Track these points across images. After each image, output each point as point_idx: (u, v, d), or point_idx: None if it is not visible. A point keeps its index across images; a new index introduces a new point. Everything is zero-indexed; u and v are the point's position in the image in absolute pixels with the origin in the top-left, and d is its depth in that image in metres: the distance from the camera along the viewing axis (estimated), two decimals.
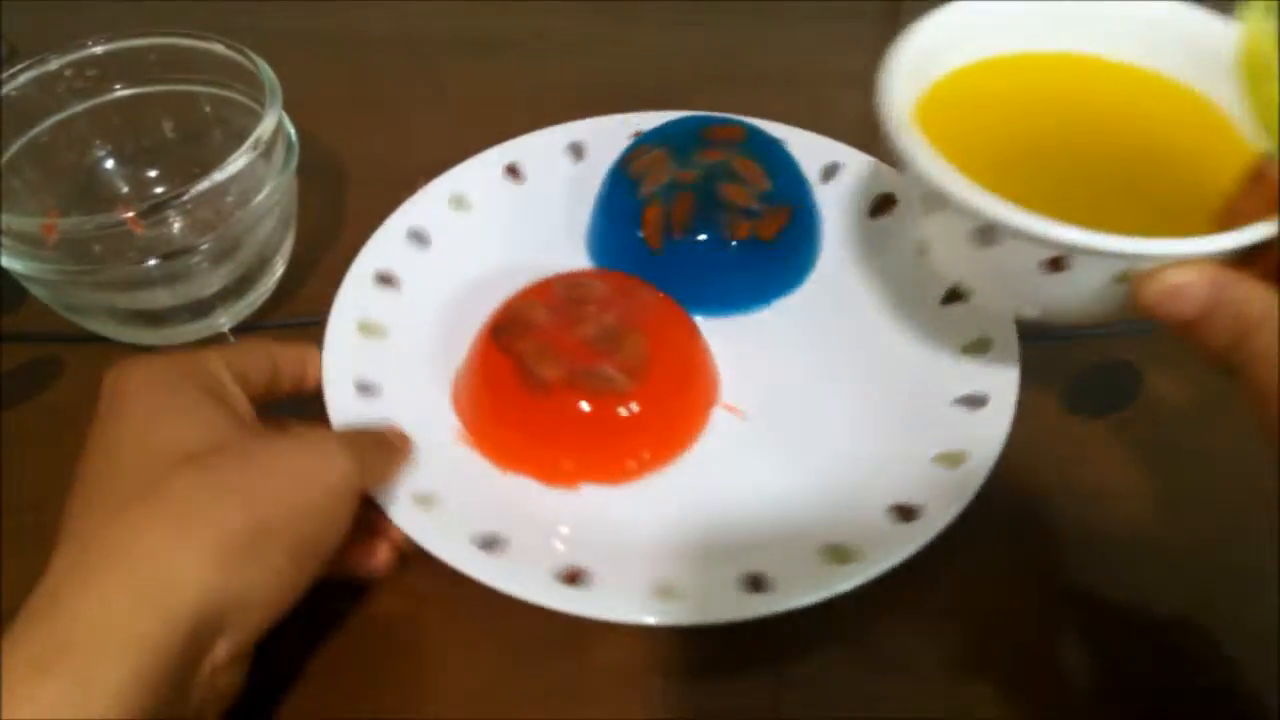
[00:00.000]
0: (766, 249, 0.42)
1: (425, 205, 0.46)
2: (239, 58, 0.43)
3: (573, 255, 0.46)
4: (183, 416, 0.31)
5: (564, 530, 0.36)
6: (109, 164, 0.46)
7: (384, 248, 0.44)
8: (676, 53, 0.58)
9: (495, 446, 0.39)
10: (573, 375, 0.37)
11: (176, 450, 0.30)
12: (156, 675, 0.26)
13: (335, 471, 0.32)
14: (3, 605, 0.28)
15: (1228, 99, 0.34)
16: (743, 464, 0.38)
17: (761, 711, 0.34)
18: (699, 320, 0.42)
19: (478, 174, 0.47)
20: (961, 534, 0.34)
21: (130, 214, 0.37)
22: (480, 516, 0.36)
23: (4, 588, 0.33)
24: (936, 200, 0.30)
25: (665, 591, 0.33)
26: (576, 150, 0.49)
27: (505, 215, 0.47)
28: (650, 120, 0.47)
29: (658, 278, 0.42)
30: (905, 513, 0.35)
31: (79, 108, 0.45)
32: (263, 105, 0.41)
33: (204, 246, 0.39)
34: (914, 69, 0.34)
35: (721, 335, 0.42)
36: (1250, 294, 0.26)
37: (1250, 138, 0.33)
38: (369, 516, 0.34)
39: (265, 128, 0.40)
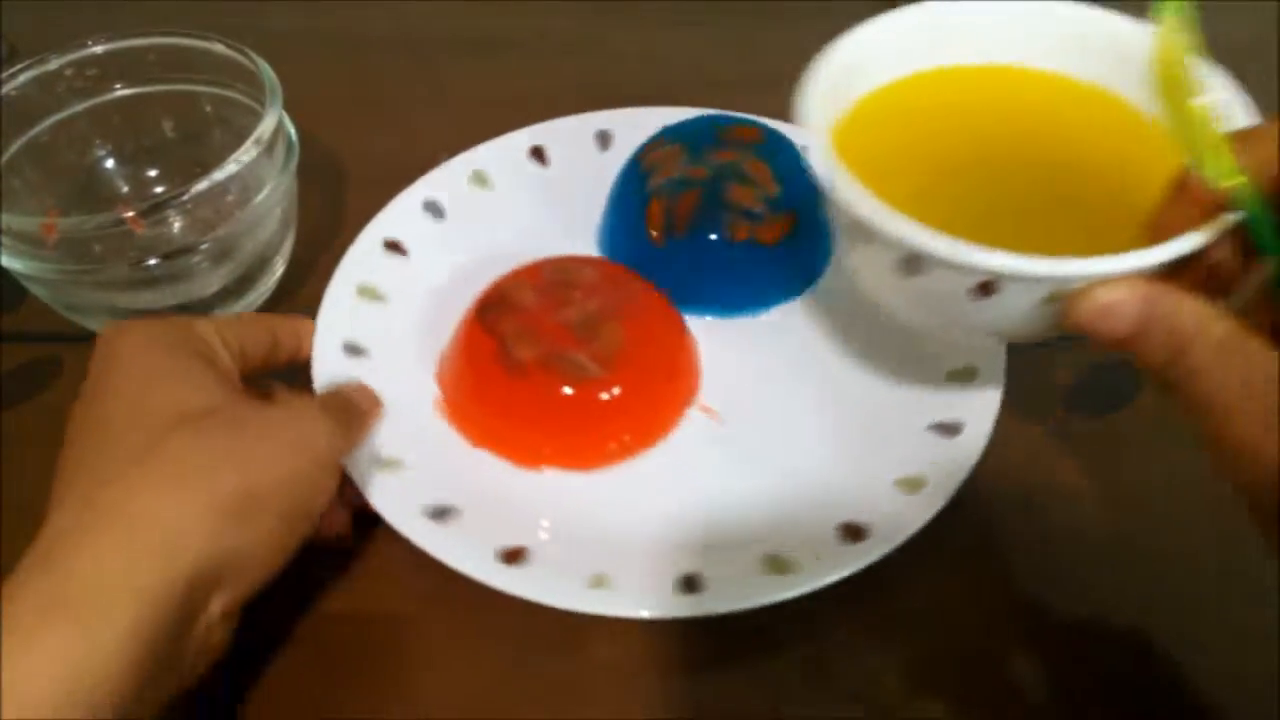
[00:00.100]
0: (766, 254, 0.42)
1: (445, 178, 0.47)
2: (239, 58, 0.43)
3: (584, 242, 0.46)
4: (176, 380, 0.32)
5: (516, 509, 0.37)
6: (109, 164, 0.46)
7: (398, 215, 0.45)
8: (677, 53, 0.58)
9: (468, 420, 0.39)
10: (547, 358, 0.38)
11: (171, 412, 0.30)
12: (154, 627, 0.27)
13: (321, 440, 0.33)
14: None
15: (1151, 104, 0.33)
16: (705, 466, 0.38)
17: (761, 711, 0.34)
18: (693, 319, 0.42)
19: (502, 153, 0.48)
20: (954, 537, 0.34)
21: (130, 214, 0.37)
22: (437, 487, 0.37)
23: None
24: (860, 230, 0.30)
25: (598, 581, 0.34)
26: (604, 139, 0.49)
27: (525, 196, 0.47)
28: (679, 115, 0.47)
29: (656, 272, 0.42)
30: (853, 532, 0.34)
31: (79, 108, 0.45)
32: (263, 105, 0.41)
33: (204, 246, 0.39)
34: (834, 88, 0.33)
35: (713, 336, 0.42)
36: (1183, 307, 0.26)
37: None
38: None
39: (265, 128, 0.40)
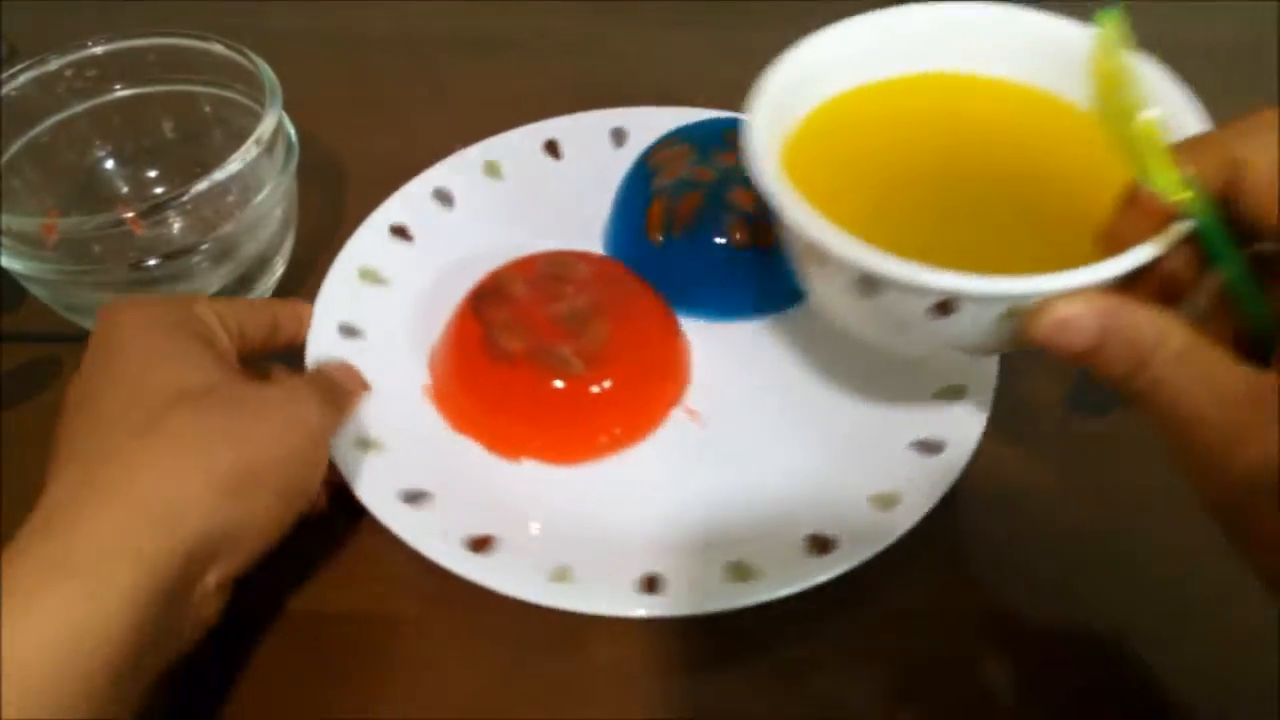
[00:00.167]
0: (763, 260, 0.42)
1: (457, 167, 0.47)
2: (239, 58, 0.43)
3: (591, 238, 0.45)
4: (175, 359, 0.32)
5: (489, 499, 0.37)
6: (109, 164, 0.46)
7: (408, 201, 0.46)
8: (677, 53, 0.58)
9: (451, 406, 0.40)
10: (531, 350, 0.38)
11: (171, 390, 0.31)
12: (153, 594, 0.27)
13: (315, 419, 0.34)
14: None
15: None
16: (682, 469, 0.38)
17: (760, 712, 0.34)
18: (688, 322, 0.42)
19: (516, 145, 0.48)
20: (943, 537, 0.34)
21: (130, 214, 0.37)
22: (415, 470, 0.37)
23: None
24: (813, 253, 0.30)
25: (560, 575, 0.34)
26: (619, 136, 0.49)
27: (536, 189, 0.47)
28: (697, 116, 0.47)
29: (654, 272, 0.42)
30: (820, 544, 0.34)
31: (79, 108, 0.45)
32: (263, 105, 0.41)
33: (204, 247, 0.39)
34: (783, 103, 0.33)
35: (706, 340, 0.42)
36: (1141, 320, 0.26)
37: None
38: None
39: (265, 128, 0.40)
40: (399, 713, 0.34)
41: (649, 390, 0.40)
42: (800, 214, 0.29)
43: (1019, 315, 0.27)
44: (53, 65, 0.44)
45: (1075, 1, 0.34)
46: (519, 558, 0.34)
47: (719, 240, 0.42)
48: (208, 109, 0.46)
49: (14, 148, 0.43)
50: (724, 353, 0.42)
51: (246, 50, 0.43)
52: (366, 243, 0.44)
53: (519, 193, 0.47)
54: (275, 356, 0.38)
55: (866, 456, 0.37)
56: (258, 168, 0.40)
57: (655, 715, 0.33)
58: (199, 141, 0.46)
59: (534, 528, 0.36)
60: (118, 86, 0.45)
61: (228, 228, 0.40)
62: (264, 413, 0.32)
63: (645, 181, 0.44)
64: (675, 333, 0.42)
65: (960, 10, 0.35)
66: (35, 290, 0.41)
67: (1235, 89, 0.54)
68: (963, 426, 0.37)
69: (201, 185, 0.38)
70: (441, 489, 0.37)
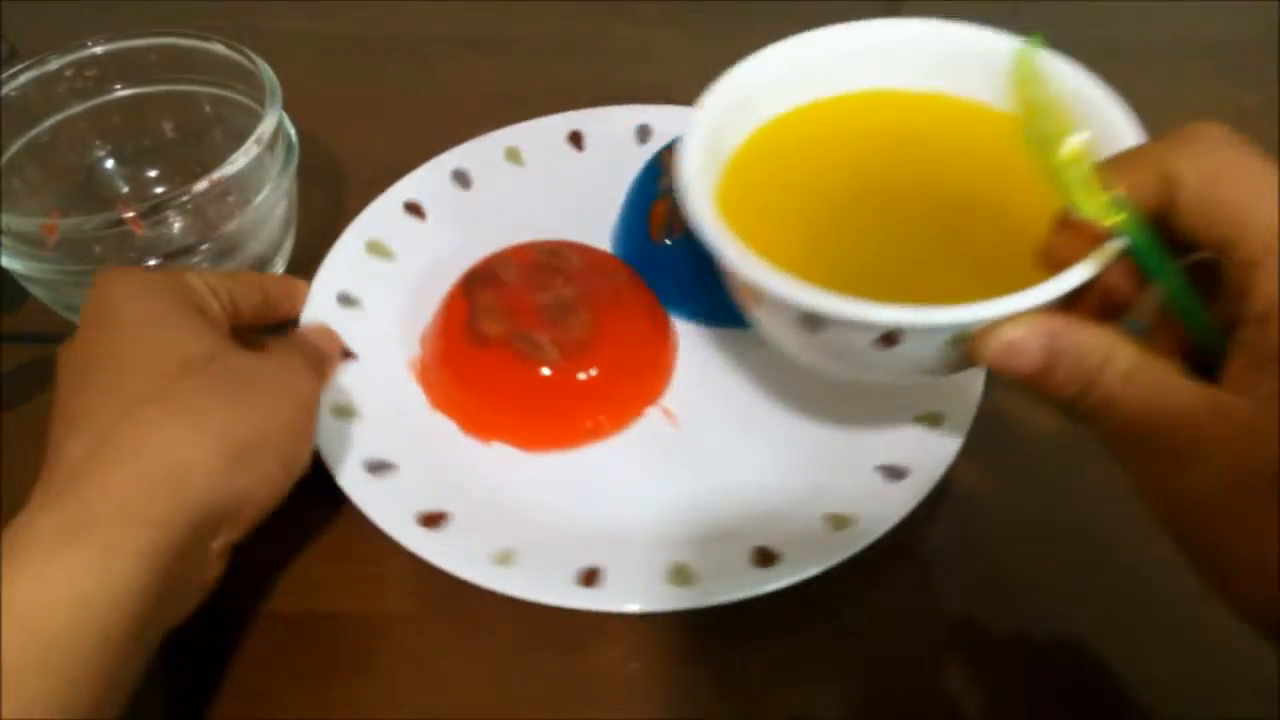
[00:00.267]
0: None
1: (478, 150, 0.48)
2: (239, 58, 0.43)
3: (602, 231, 0.45)
4: (175, 327, 0.33)
5: (452, 476, 0.38)
6: (109, 164, 0.46)
7: (424, 179, 0.46)
8: (677, 53, 0.58)
9: (433, 383, 0.41)
10: (509, 336, 0.39)
11: (175, 357, 0.31)
12: (167, 556, 0.28)
13: (307, 387, 0.35)
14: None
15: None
16: (646, 466, 0.39)
17: (761, 710, 0.34)
18: (680, 324, 0.42)
19: (540, 133, 0.48)
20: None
21: (130, 214, 0.37)
22: (383, 441, 0.38)
23: None
24: (753, 293, 0.30)
25: (503, 558, 0.34)
26: (643, 132, 0.49)
27: (556, 178, 0.48)
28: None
29: (653, 271, 0.42)
30: (765, 556, 0.34)
31: (79, 108, 0.45)
32: (263, 105, 0.41)
33: (204, 246, 0.39)
34: (718, 130, 0.33)
35: (695, 343, 0.42)
36: (1086, 339, 0.26)
37: None
38: None
39: (265, 128, 0.40)
40: (399, 713, 0.34)
41: (626, 386, 0.40)
42: (737, 254, 0.29)
43: (965, 341, 0.27)
44: (53, 65, 0.43)
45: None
46: (466, 537, 0.35)
47: None
48: (208, 109, 0.46)
49: (14, 148, 0.43)
50: (711, 357, 0.42)
51: (246, 50, 0.43)
52: (379, 216, 0.45)
53: (537, 181, 0.48)
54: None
55: (830, 475, 0.37)
56: (258, 168, 0.40)
57: (655, 715, 0.34)
58: (199, 141, 0.46)
59: (487, 509, 0.36)
60: (118, 86, 0.45)
61: (228, 228, 0.40)
62: (263, 383, 0.33)
63: (654, 180, 0.44)
64: (662, 332, 0.42)
65: (893, 27, 0.35)
66: (35, 290, 0.41)
67: (1235, 89, 0.54)
68: (932, 455, 0.36)
69: (201, 185, 0.38)
70: (407, 462, 0.37)
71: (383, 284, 0.43)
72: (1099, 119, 0.30)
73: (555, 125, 0.49)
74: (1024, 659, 0.35)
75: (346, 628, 0.36)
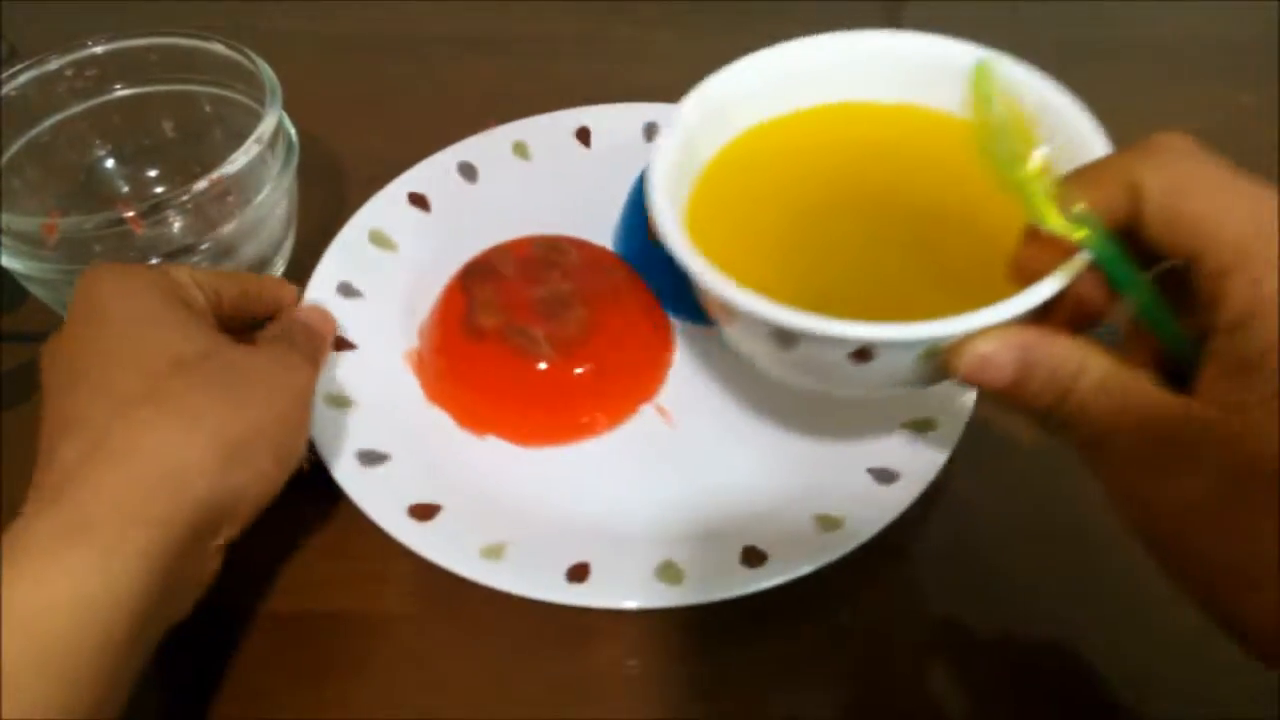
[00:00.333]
0: None
1: (484, 144, 0.48)
2: (239, 58, 0.43)
3: (607, 228, 0.45)
4: (163, 324, 0.32)
5: (445, 469, 0.38)
6: (109, 164, 0.46)
7: (430, 172, 0.46)
8: (677, 53, 0.58)
9: (429, 376, 0.41)
10: (504, 329, 0.39)
11: (166, 355, 0.31)
12: (166, 556, 0.28)
13: (301, 378, 0.34)
14: None
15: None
16: (639, 464, 0.39)
17: (763, 710, 0.34)
18: (679, 323, 0.42)
19: (547, 128, 0.49)
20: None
21: (130, 214, 0.37)
22: (376, 433, 0.38)
23: None
24: (726, 311, 0.30)
25: (493, 551, 0.34)
26: (651, 130, 0.49)
27: (562, 173, 0.48)
28: None
29: (652, 269, 0.42)
30: (754, 556, 0.34)
31: (79, 108, 0.45)
32: (263, 105, 0.41)
33: (204, 247, 0.39)
34: (688, 144, 0.33)
35: (693, 342, 0.42)
36: (1058, 350, 0.25)
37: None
38: None
39: (265, 128, 0.40)
40: (399, 713, 0.34)
41: (620, 382, 0.40)
42: (708, 270, 0.29)
43: (938, 355, 0.27)
44: (53, 65, 0.43)
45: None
46: (457, 530, 0.35)
47: None
48: (208, 109, 0.46)
49: (14, 148, 0.43)
50: (708, 357, 0.42)
51: (246, 50, 0.43)
52: (383, 207, 0.45)
53: (543, 176, 0.48)
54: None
55: (822, 477, 0.37)
56: (258, 168, 0.40)
57: (655, 714, 0.34)
58: (199, 141, 0.46)
59: (479, 503, 0.36)
60: (118, 86, 0.45)
61: (228, 228, 0.40)
62: (256, 378, 0.33)
63: None
64: (660, 331, 0.42)
65: (863, 39, 0.35)
66: (35, 290, 0.41)
67: (1235, 89, 0.54)
68: (923, 458, 0.36)
69: (201, 185, 0.38)
70: (400, 453, 0.37)
71: (384, 275, 0.43)
72: (1066, 129, 0.30)
73: (563, 121, 0.49)
74: (1016, 660, 0.35)
75: (345, 627, 0.36)
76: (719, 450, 0.39)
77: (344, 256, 0.43)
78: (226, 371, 0.32)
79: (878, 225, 0.33)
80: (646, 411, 0.40)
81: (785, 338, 0.28)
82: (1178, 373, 0.26)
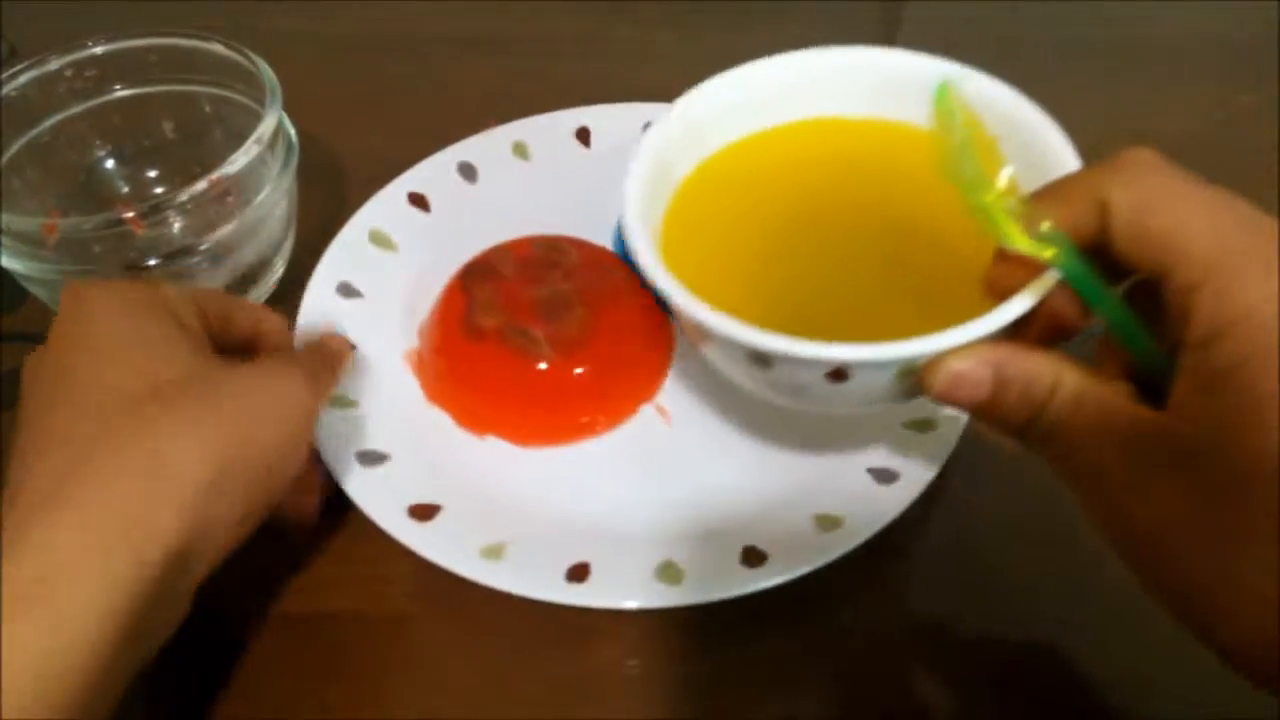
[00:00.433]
0: None
1: (485, 145, 0.48)
2: (239, 58, 0.43)
3: (605, 229, 0.45)
4: (147, 348, 0.31)
5: (445, 469, 0.38)
6: (109, 164, 0.46)
7: (429, 172, 0.46)
8: (677, 53, 0.58)
9: (429, 376, 0.41)
10: (504, 329, 0.39)
11: (141, 384, 0.30)
12: (127, 612, 0.27)
13: (295, 401, 0.32)
14: None
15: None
16: (638, 464, 0.39)
17: (760, 708, 0.34)
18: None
19: (547, 128, 0.49)
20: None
21: (130, 214, 0.37)
22: (376, 433, 0.38)
23: None
24: (701, 332, 0.30)
25: (493, 552, 0.34)
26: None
27: (563, 173, 0.48)
28: None
29: None
30: (754, 556, 0.34)
31: (79, 108, 0.45)
32: (263, 105, 0.41)
33: (204, 247, 0.39)
34: (663, 163, 0.33)
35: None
36: (1032, 365, 0.25)
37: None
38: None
39: (265, 128, 0.40)
40: (399, 713, 0.34)
41: (619, 383, 0.40)
42: (682, 292, 0.29)
43: (913, 374, 0.27)
44: (53, 65, 0.43)
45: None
46: (456, 530, 0.35)
47: None
48: (208, 109, 0.46)
49: (14, 148, 0.43)
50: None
51: (246, 50, 0.43)
52: (383, 207, 0.45)
53: (543, 176, 0.48)
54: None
55: (822, 477, 0.37)
56: (258, 168, 0.40)
57: (655, 714, 0.34)
58: (199, 141, 0.46)
59: (478, 503, 0.36)
60: (118, 86, 0.45)
61: (228, 228, 0.40)
62: (240, 400, 0.31)
63: None
64: (659, 331, 0.42)
65: (837, 55, 0.35)
66: (35, 290, 0.41)
67: (1235, 89, 0.54)
68: (923, 459, 0.36)
69: (201, 185, 0.38)
70: (400, 453, 0.37)
71: (384, 275, 0.43)
72: (1035, 145, 0.30)
73: (563, 121, 0.49)
74: (1016, 660, 0.35)
75: (345, 627, 0.36)
76: (718, 450, 0.39)
77: (344, 256, 0.43)
78: (205, 396, 0.30)
79: (852, 241, 0.33)
80: (646, 412, 0.40)
81: (760, 359, 0.29)
82: (1152, 386, 0.26)
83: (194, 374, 0.31)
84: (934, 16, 0.58)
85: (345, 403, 0.39)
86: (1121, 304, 0.26)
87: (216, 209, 0.39)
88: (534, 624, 0.35)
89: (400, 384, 0.41)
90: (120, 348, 0.30)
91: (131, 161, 0.47)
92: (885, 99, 0.34)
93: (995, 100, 0.31)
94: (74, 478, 0.27)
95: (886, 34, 0.57)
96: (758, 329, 0.27)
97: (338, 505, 0.36)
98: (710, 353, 0.32)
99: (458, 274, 0.42)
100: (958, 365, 0.26)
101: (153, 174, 0.47)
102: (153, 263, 0.39)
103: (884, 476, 0.36)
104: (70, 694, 0.25)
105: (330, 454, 0.37)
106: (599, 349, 0.39)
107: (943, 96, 0.27)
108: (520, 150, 0.48)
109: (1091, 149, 0.29)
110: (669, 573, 0.34)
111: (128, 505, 0.27)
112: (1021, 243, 0.25)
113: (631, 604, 0.33)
